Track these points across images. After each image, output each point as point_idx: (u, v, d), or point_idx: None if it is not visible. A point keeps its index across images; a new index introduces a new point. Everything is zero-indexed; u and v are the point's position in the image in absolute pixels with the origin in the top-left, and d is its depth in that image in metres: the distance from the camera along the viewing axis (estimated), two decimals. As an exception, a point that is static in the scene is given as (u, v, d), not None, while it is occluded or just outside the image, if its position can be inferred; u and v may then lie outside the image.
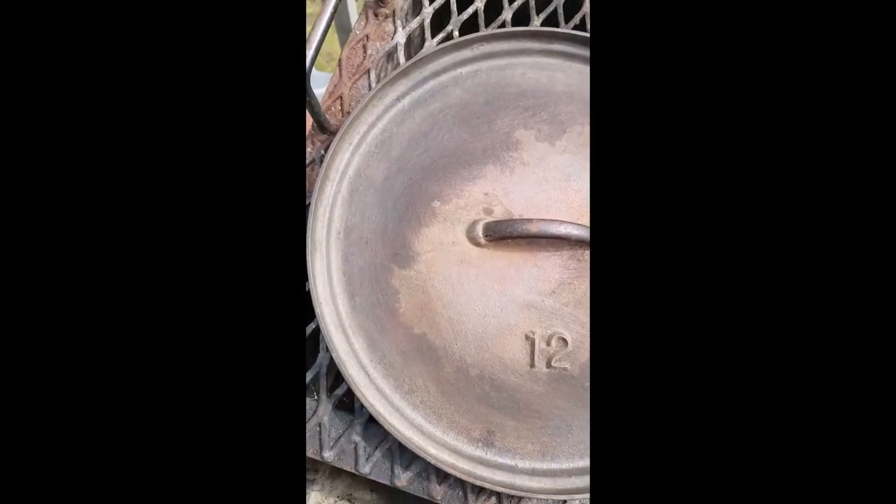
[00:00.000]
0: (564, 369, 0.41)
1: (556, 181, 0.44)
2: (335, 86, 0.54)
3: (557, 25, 0.54)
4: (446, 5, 0.56)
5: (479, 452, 0.42)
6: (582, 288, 0.42)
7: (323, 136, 0.52)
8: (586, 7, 0.56)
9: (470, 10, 0.56)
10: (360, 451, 0.43)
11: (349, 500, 0.51)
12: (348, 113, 0.52)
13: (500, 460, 0.41)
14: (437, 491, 0.43)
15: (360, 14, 0.57)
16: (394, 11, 0.56)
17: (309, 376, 0.46)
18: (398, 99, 0.50)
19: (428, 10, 0.56)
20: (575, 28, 0.52)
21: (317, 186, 0.46)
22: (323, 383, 0.46)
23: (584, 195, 0.44)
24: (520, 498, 0.42)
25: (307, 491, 0.51)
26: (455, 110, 0.48)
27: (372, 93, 0.48)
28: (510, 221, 0.42)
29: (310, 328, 0.47)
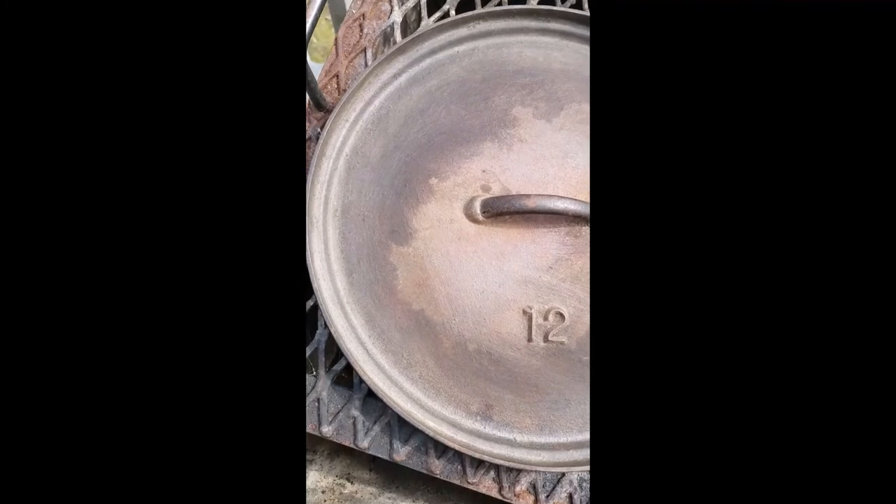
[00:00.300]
0: (561, 343, 0.42)
1: (553, 158, 0.44)
2: (331, 64, 0.54)
3: (554, 4, 0.54)
4: (443, -17, 0.56)
5: (477, 426, 0.42)
6: (579, 264, 0.43)
7: (319, 114, 0.52)
8: (583, -14, 0.56)
9: (466, -11, 0.56)
10: (359, 426, 0.43)
11: (348, 479, 0.51)
12: (345, 91, 0.52)
13: (499, 434, 0.42)
14: (436, 465, 0.43)
15: (356, -8, 0.57)
16: (390, -11, 0.56)
17: (307, 352, 0.46)
18: (395, 76, 0.49)
19: (424, -11, 0.56)
20: (571, 7, 0.52)
21: (313, 164, 0.46)
22: (321, 359, 0.46)
23: (582, 172, 0.44)
24: (518, 471, 0.43)
25: (306, 471, 0.51)
26: (452, 88, 0.48)
27: (369, 69, 0.48)
28: (508, 197, 0.42)
29: (308, 305, 0.47)
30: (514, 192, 0.43)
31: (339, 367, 0.45)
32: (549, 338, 0.42)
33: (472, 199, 0.44)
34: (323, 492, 0.49)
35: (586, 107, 0.46)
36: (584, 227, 0.43)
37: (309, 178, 0.46)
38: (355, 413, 0.44)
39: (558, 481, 0.43)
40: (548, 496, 0.42)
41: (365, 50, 0.54)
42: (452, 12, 0.56)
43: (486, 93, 0.47)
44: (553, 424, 0.42)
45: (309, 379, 0.46)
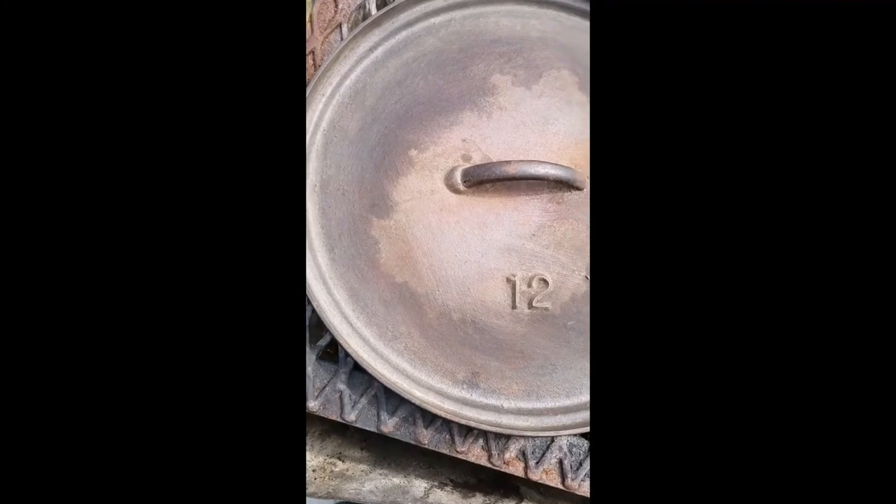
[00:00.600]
0: (546, 309, 0.41)
1: (533, 125, 0.44)
2: (307, 41, 0.53)
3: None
4: (417, -45, 0.55)
5: (464, 394, 0.42)
6: (561, 230, 0.42)
7: (296, 91, 0.51)
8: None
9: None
10: (346, 400, 0.43)
11: (339, 458, 0.51)
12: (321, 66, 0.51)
13: (486, 401, 0.42)
14: (424, 435, 0.43)
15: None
16: (364, -38, 0.55)
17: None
18: (371, 49, 0.49)
19: (399, -39, 0.55)
20: (548, -26, 0.51)
21: (291, 140, 0.45)
22: (306, 335, 0.45)
23: (563, 138, 0.44)
24: (507, 438, 0.42)
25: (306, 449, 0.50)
26: (429, 58, 0.47)
27: (343, 43, 0.47)
28: (488, 165, 0.42)
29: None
30: (494, 160, 0.43)
31: (323, 342, 0.45)
32: (534, 304, 0.41)
33: (452, 169, 0.43)
34: (314, 470, 0.49)
35: (566, 73, 0.45)
36: (565, 194, 0.43)
37: (287, 154, 0.45)
38: (341, 387, 0.43)
39: (547, 447, 0.43)
40: (537, 462, 0.42)
41: (340, 25, 0.53)
42: (428, -16, 0.55)
43: (464, 62, 0.46)
44: (540, 390, 0.42)
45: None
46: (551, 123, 0.44)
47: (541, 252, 0.42)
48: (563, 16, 0.49)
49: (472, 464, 0.43)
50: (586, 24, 0.48)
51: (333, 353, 0.45)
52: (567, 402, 0.41)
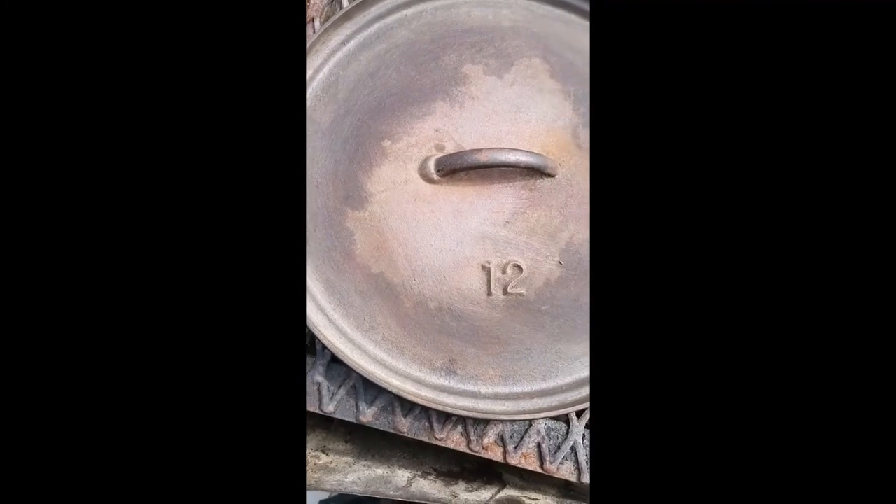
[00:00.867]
0: (520, 295, 0.42)
1: (505, 113, 0.44)
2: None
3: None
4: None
5: (442, 381, 0.42)
6: (535, 216, 0.43)
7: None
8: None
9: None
10: (324, 391, 0.43)
11: (323, 451, 0.51)
12: (294, 61, 0.51)
13: (463, 387, 0.42)
14: (403, 423, 0.43)
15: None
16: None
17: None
18: (343, 43, 0.49)
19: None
20: (518, -36, 0.51)
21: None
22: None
23: (534, 126, 0.44)
24: (486, 424, 0.43)
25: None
26: (401, 50, 0.47)
27: (315, 36, 0.47)
28: (461, 153, 0.42)
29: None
30: (467, 149, 0.43)
31: (302, 335, 0.45)
32: (508, 290, 0.42)
33: (426, 159, 0.43)
34: (297, 464, 0.49)
35: (537, 61, 0.46)
36: (538, 181, 0.43)
37: (261, 148, 0.45)
38: (319, 379, 0.43)
39: (525, 431, 0.43)
40: (516, 447, 0.43)
41: (313, 20, 0.53)
42: (400, -23, 0.55)
43: (436, 53, 0.46)
44: (516, 374, 0.42)
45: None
46: (523, 111, 0.44)
47: (514, 238, 0.42)
48: (534, 4, 0.49)
49: (456, 453, 0.44)
50: (558, 12, 0.49)
51: (311, 345, 0.45)
52: (543, 386, 0.42)
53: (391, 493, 0.46)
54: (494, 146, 0.43)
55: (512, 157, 0.41)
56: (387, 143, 0.44)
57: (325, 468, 0.49)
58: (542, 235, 0.42)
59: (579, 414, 0.44)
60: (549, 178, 0.43)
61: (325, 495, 0.75)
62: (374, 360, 0.42)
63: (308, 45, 0.47)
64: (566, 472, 0.43)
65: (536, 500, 0.46)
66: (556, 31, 0.47)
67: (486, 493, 0.47)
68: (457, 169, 0.42)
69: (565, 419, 0.44)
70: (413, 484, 0.47)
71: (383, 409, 0.43)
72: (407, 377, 0.42)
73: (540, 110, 0.44)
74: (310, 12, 0.54)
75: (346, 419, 0.43)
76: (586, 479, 0.43)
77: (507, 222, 0.43)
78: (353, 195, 0.44)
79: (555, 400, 0.41)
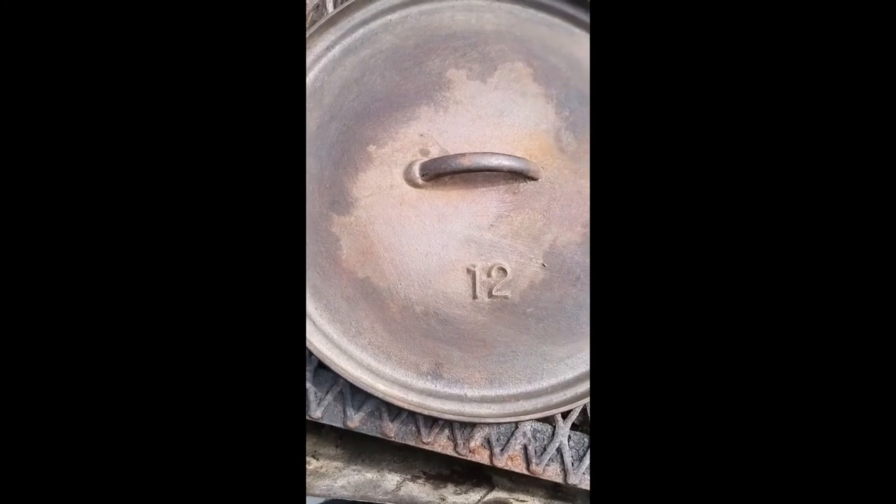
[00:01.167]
0: (505, 297, 0.42)
1: (489, 118, 0.45)
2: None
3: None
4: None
5: (428, 385, 0.42)
6: (518, 219, 0.43)
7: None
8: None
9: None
10: (311, 397, 0.43)
11: (313, 457, 0.51)
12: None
13: (450, 391, 0.42)
14: (390, 428, 0.43)
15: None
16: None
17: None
18: (328, 48, 0.49)
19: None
20: (502, -31, 0.52)
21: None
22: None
23: (517, 129, 0.45)
24: (472, 427, 0.43)
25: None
26: (386, 55, 0.47)
27: (300, 42, 0.47)
28: (445, 158, 0.42)
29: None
30: (451, 154, 0.43)
31: (289, 341, 0.45)
32: (493, 293, 0.42)
33: (411, 164, 0.44)
34: (287, 470, 0.49)
35: (520, 65, 0.46)
36: (521, 184, 0.43)
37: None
38: (307, 385, 0.44)
39: (512, 434, 0.43)
40: (502, 449, 0.43)
41: (298, 25, 0.54)
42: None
43: (420, 58, 0.47)
44: (502, 377, 0.42)
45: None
46: (506, 115, 0.45)
47: (499, 242, 0.43)
48: (517, 8, 0.50)
49: (446, 456, 0.44)
50: (541, 16, 0.49)
51: (300, 350, 0.45)
52: (529, 388, 0.42)
53: (380, 497, 0.46)
54: (478, 150, 0.43)
55: (495, 162, 0.41)
56: (372, 148, 0.44)
57: (315, 473, 0.49)
58: (525, 238, 0.43)
59: (565, 415, 0.44)
60: (533, 182, 0.43)
61: (315, 501, 0.75)
62: (361, 365, 0.42)
63: (292, 51, 0.47)
64: (552, 473, 0.43)
65: (524, 501, 0.47)
66: (539, 35, 0.48)
67: (475, 496, 0.48)
68: (441, 173, 0.42)
69: (551, 421, 0.44)
70: (402, 488, 0.47)
71: (371, 414, 0.43)
72: (393, 382, 0.42)
73: (523, 114, 0.45)
74: (295, 18, 0.54)
75: (334, 424, 0.43)
76: (572, 480, 0.43)
77: (492, 226, 0.43)
78: (338, 200, 0.44)
79: (540, 402, 0.41)
